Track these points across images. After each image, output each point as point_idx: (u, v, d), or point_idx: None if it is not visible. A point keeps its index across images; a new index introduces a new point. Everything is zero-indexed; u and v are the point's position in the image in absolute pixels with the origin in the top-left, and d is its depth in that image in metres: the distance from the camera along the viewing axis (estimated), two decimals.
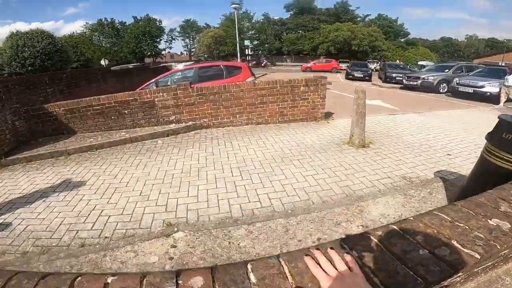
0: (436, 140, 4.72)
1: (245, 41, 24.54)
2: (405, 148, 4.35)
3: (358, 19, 49.92)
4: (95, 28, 47.28)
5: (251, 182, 3.28)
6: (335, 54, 40.75)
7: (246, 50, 23.11)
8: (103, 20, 47.64)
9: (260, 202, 2.85)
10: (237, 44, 24.18)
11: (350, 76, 18.54)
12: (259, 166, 3.71)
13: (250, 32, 49.70)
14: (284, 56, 48.30)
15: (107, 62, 27.09)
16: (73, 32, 44.43)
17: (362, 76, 18.14)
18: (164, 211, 2.74)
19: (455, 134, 5.09)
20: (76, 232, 2.46)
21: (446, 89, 11.55)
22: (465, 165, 3.61)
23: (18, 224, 2.61)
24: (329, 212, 2.60)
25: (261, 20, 51.34)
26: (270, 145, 4.56)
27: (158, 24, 49.03)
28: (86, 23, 49.34)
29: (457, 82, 10.27)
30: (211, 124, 5.65)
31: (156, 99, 5.28)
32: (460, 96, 9.98)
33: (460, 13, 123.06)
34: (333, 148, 4.34)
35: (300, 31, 48.11)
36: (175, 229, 2.40)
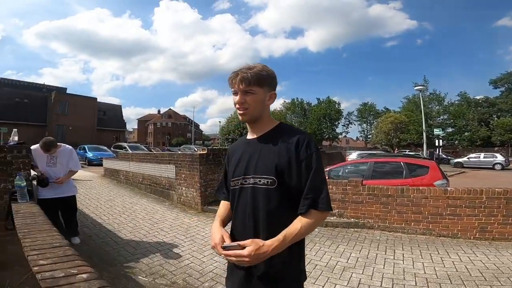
0: None
1: (435, 129, 21.25)
2: None
3: None
4: (289, 106, 53.67)
5: None
6: None
7: (436, 140, 19.69)
8: (295, 99, 53.75)
9: None
10: (423, 133, 21.45)
11: None
12: (422, 285, 2.84)
13: (441, 117, 42.61)
14: (496, 148, 36.15)
15: None
16: (275, 109, 55.23)
17: None
18: None
19: None
20: None
21: None
22: None
23: None
24: None
25: (457, 102, 42.49)
26: (450, 262, 3.41)
27: (337, 106, 50.25)
28: (284, 101, 56.35)
29: None
30: (376, 226, 4.99)
31: None
32: None
33: None
34: None
35: None
36: None
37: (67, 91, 39.74)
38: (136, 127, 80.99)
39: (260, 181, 1.03)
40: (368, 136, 53.98)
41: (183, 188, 6.50)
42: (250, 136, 1.16)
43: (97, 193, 7.71)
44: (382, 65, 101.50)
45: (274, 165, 1.01)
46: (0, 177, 3.00)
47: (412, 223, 4.74)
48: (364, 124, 55.46)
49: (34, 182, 3.21)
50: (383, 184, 5.19)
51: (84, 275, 0.97)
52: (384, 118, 40.62)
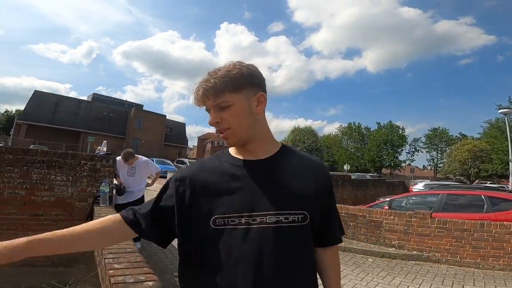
0: None
1: None
2: None
3: None
4: (345, 131, 51.25)
5: None
6: None
7: None
8: (352, 124, 51.23)
9: None
10: (510, 163, 18.12)
11: None
12: None
13: None
14: None
15: (348, 167, 29.73)
16: (330, 133, 52.72)
17: None
18: None
19: None
20: None
21: None
22: None
23: None
24: None
25: None
26: None
27: (400, 132, 46.27)
28: (340, 125, 54.55)
29: None
30: (443, 260, 4.45)
31: (384, 221, 5.01)
32: None
33: None
34: None
35: None
36: None
37: (143, 108, 45.29)
38: (196, 144, 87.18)
39: (287, 218, 0.75)
40: (439, 165, 47.98)
41: None
42: (244, 157, 0.81)
43: None
44: (456, 86, 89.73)
45: (306, 196, 0.78)
46: (88, 181, 3.55)
47: (490, 259, 4.19)
48: (434, 152, 49.88)
49: (114, 191, 3.69)
50: (457, 217, 4.67)
51: (150, 283, 1.06)
52: (460, 145, 35.49)
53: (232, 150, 0.86)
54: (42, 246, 0.72)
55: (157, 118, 41.09)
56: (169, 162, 20.93)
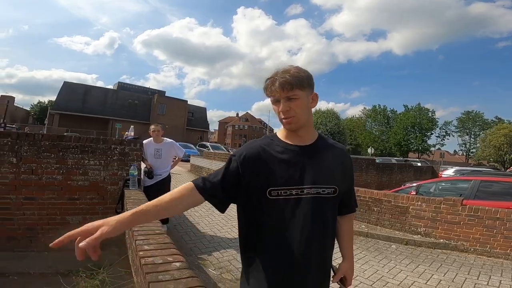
0: None
1: None
2: None
3: None
4: (369, 114, 49.42)
5: None
6: None
7: None
8: (377, 106, 49.04)
9: None
10: None
11: None
12: None
13: None
14: None
15: (372, 151, 28.88)
16: (353, 116, 50.85)
17: None
18: None
19: None
20: None
21: None
22: None
23: None
24: None
25: None
26: None
27: (430, 115, 43.93)
28: (364, 108, 52.89)
29: None
30: (471, 249, 4.26)
31: (411, 207, 4.84)
32: None
33: None
34: None
35: None
36: None
37: (166, 94, 46.22)
38: (217, 128, 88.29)
39: (324, 190, 0.99)
40: (471, 151, 45.35)
41: None
42: (290, 141, 1.03)
43: None
44: (492, 68, 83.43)
45: (336, 174, 1.03)
46: (118, 165, 3.69)
47: None
48: (466, 136, 46.81)
49: (142, 174, 3.82)
50: (490, 205, 4.41)
51: (177, 264, 1.11)
52: (496, 129, 33.20)
53: (280, 135, 1.06)
54: (141, 217, 0.88)
55: (179, 103, 41.92)
56: (192, 146, 21.42)
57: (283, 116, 0.98)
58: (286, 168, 0.98)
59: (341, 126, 22.38)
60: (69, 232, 0.77)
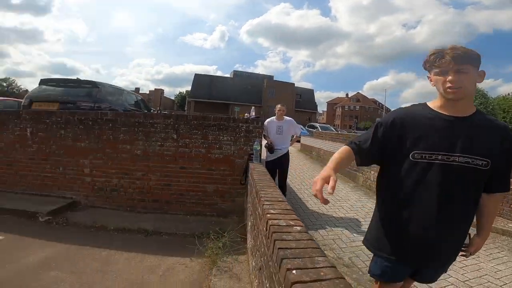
0: None
1: None
2: None
3: None
4: None
5: None
6: None
7: None
8: None
9: None
10: None
11: None
12: None
13: None
14: None
15: None
16: (508, 94, 38.61)
17: None
18: None
19: None
20: None
21: None
22: None
23: None
24: None
25: None
26: None
27: None
28: None
29: None
30: None
31: None
32: None
33: None
34: None
35: None
36: None
37: (274, 78, 48.29)
38: (325, 109, 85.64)
39: (473, 161, 1.02)
40: None
41: (372, 172, 6.32)
42: (444, 111, 1.08)
43: (294, 165, 8.84)
44: None
45: (491, 149, 1.03)
46: (244, 141, 4.21)
47: None
48: None
49: (265, 149, 4.21)
50: None
51: (298, 227, 1.23)
52: None
53: (432, 105, 1.13)
54: (337, 167, 1.12)
55: (287, 86, 42.94)
56: (302, 126, 21.74)
57: (449, 85, 1.02)
58: (435, 134, 1.05)
59: (489, 106, 17.48)
60: (317, 187, 1.01)
